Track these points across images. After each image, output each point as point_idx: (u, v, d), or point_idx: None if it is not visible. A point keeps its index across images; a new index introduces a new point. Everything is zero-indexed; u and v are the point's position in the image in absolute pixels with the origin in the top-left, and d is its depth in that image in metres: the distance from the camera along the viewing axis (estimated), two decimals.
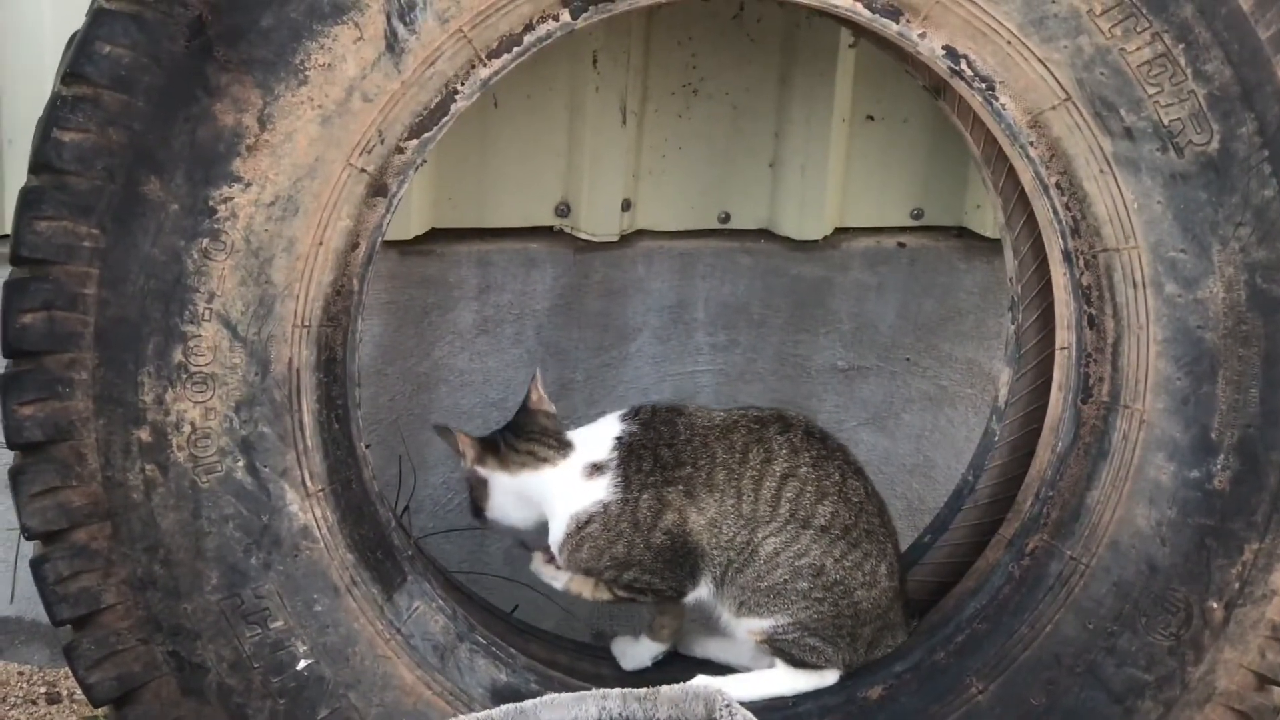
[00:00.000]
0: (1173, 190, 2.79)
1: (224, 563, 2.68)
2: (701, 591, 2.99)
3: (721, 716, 2.06)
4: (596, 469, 2.96)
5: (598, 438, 3.00)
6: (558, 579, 3.06)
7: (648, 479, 2.94)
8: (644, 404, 3.05)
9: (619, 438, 2.98)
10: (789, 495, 2.93)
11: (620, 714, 2.11)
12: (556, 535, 2.98)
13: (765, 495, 2.93)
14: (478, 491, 3.02)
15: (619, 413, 3.04)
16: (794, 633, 2.95)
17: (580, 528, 2.95)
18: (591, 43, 3.45)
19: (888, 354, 3.82)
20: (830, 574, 2.93)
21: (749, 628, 2.97)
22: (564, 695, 2.16)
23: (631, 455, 2.96)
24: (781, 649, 2.97)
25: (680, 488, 2.93)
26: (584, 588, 3.04)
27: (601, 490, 2.95)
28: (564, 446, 3.00)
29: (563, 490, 2.97)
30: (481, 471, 3.01)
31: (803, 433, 2.99)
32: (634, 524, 2.93)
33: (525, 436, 3.02)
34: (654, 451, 2.96)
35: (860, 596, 2.96)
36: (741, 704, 2.15)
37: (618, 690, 2.14)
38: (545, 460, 2.99)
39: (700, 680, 2.81)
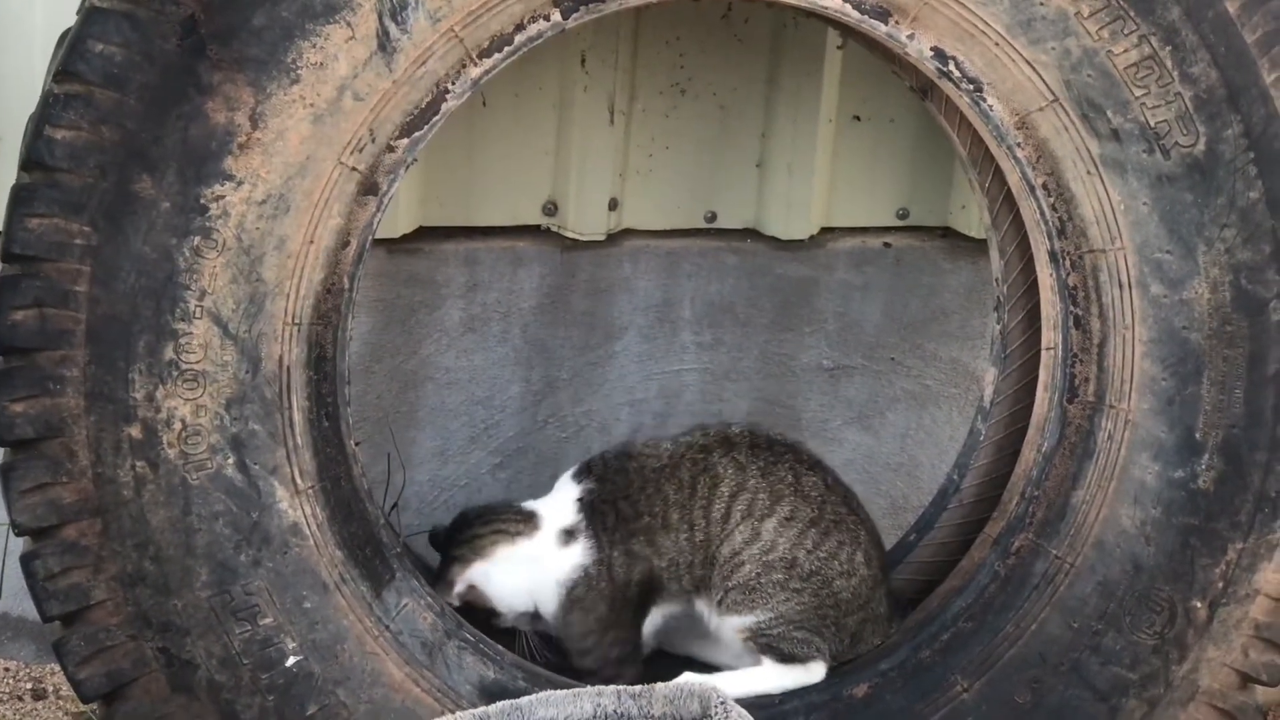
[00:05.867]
0: (1159, 192, 2.80)
1: (214, 559, 2.69)
2: (653, 620, 3.06)
3: (716, 714, 2.07)
4: (569, 535, 3.01)
5: (560, 503, 3.05)
6: None
7: (614, 535, 3.00)
8: (592, 457, 3.11)
9: (580, 499, 3.04)
10: (740, 509, 2.97)
11: (615, 711, 2.11)
12: (550, 606, 3.04)
13: (715, 517, 2.97)
14: (480, 603, 3.05)
15: (570, 472, 3.10)
16: (779, 626, 2.97)
17: (569, 593, 3.01)
18: (580, 42, 3.46)
19: (873, 353, 3.83)
20: (804, 565, 2.95)
21: (734, 625, 2.99)
22: (559, 692, 2.17)
23: (595, 514, 3.02)
24: (768, 644, 2.98)
25: (642, 538, 3.00)
26: None
27: (579, 555, 3.00)
28: (528, 517, 3.05)
29: (544, 562, 3.03)
30: (470, 580, 3.04)
31: (747, 448, 3.03)
32: (611, 581, 3.00)
33: (483, 521, 3.07)
34: (614, 506, 3.01)
35: (840, 586, 2.98)
36: None
37: (612, 687, 2.14)
38: (518, 534, 3.04)
39: (695, 678, 2.83)
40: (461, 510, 3.16)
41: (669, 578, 3.00)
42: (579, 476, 3.07)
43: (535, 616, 3.06)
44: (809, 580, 2.95)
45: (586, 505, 3.02)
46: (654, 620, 3.06)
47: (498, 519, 3.06)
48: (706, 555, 2.97)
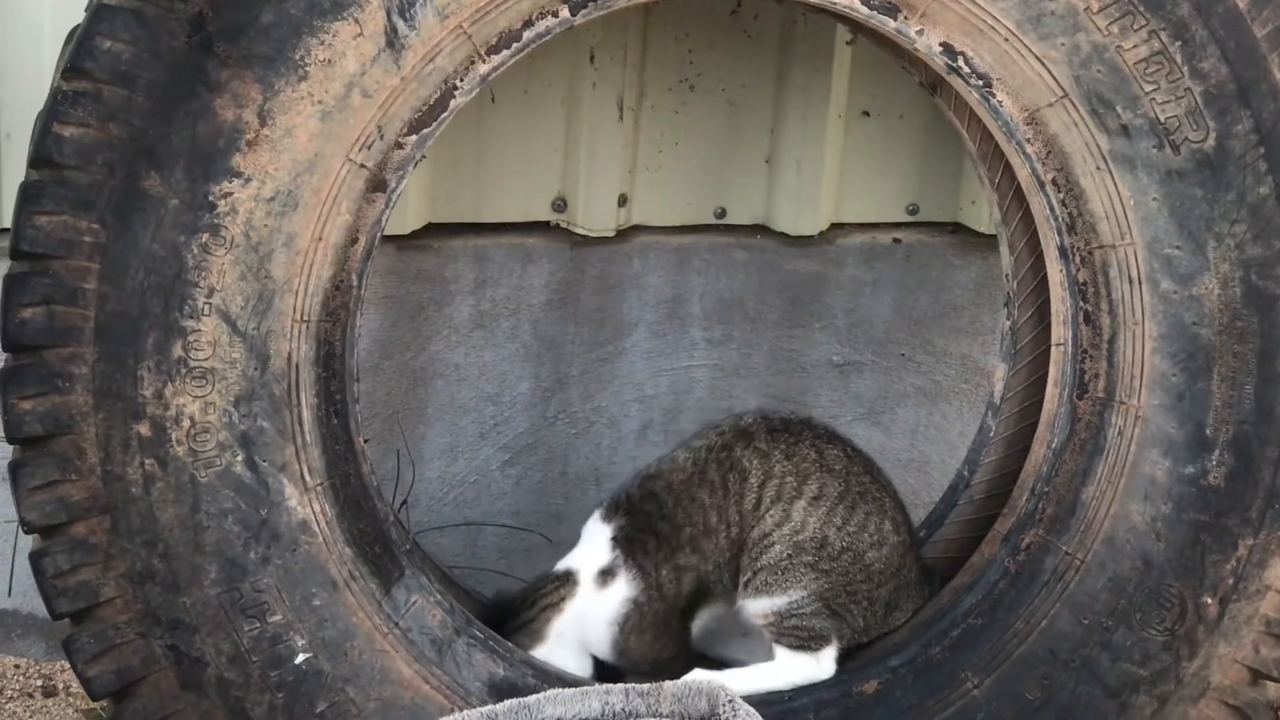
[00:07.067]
0: (1169, 187, 2.80)
1: (223, 557, 2.69)
2: (701, 621, 3.06)
3: (725, 712, 2.07)
4: (608, 574, 3.00)
5: (593, 548, 3.04)
6: None
7: (657, 557, 2.99)
8: (616, 494, 3.08)
9: (614, 537, 3.02)
10: (770, 494, 2.96)
11: (623, 709, 2.11)
12: (605, 646, 3.02)
13: (747, 508, 2.96)
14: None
15: (597, 514, 3.07)
16: (809, 604, 2.95)
17: (622, 628, 3.00)
18: (589, 39, 3.46)
19: (883, 349, 3.83)
20: (835, 543, 2.94)
21: (759, 610, 2.97)
22: (567, 690, 2.17)
23: (633, 545, 3.00)
24: (791, 628, 2.97)
25: (688, 549, 2.99)
26: None
27: (624, 589, 2.99)
28: (566, 578, 3.03)
29: (591, 611, 3.01)
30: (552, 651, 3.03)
31: (765, 435, 3.02)
32: (664, 601, 2.99)
33: (528, 603, 3.04)
34: (652, 531, 3.00)
35: (872, 558, 2.97)
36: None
37: (620, 685, 2.14)
38: (563, 598, 3.02)
39: (703, 675, 2.82)
40: (497, 596, 3.12)
41: (714, 580, 2.99)
42: (608, 516, 3.05)
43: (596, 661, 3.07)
44: (838, 559, 2.94)
45: (622, 541, 3.00)
46: (702, 621, 3.05)
47: (540, 595, 3.03)
48: (741, 546, 2.97)
